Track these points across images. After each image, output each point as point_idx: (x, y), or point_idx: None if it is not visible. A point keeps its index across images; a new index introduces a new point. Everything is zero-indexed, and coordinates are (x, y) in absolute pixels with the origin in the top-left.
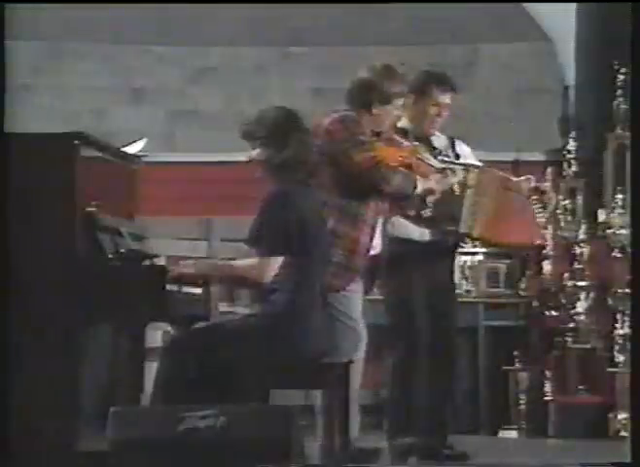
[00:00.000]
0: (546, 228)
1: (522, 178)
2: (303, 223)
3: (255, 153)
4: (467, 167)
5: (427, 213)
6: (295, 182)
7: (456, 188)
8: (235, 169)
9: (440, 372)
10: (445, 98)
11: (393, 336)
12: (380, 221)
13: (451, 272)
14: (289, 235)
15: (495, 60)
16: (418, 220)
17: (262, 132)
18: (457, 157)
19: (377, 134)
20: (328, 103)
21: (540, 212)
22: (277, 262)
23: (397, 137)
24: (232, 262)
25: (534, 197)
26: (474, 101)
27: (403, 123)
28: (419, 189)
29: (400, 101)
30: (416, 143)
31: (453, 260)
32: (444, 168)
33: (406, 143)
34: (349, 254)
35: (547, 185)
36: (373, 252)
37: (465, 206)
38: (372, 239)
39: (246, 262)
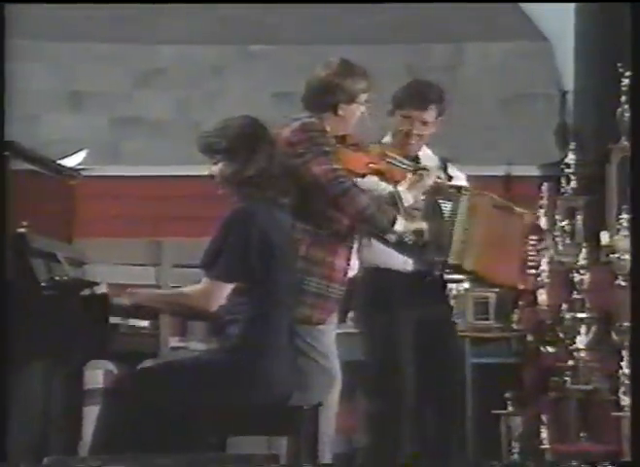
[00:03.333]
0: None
1: (527, 212)
2: (268, 245)
3: (216, 168)
4: (458, 191)
5: (410, 240)
6: (262, 200)
7: (445, 213)
8: (189, 185)
9: (435, 422)
10: (421, 114)
11: (373, 380)
12: (356, 241)
13: (446, 306)
14: (249, 260)
15: (483, 61)
16: (400, 247)
17: (224, 145)
18: (449, 179)
19: (343, 138)
20: (293, 109)
21: (533, 255)
22: (227, 288)
23: (363, 140)
24: (180, 289)
25: (531, 237)
26: (459, 108)
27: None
28: (403, 228)
29: (364, 97)
30: (384, 143)
31: (444, 291)
32: (417, 169)
33: (372, 145)
34: (327, 282)
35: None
36: (350, 274)
37: (456, 234)
38: (349, 262)
39: (194, 288)
